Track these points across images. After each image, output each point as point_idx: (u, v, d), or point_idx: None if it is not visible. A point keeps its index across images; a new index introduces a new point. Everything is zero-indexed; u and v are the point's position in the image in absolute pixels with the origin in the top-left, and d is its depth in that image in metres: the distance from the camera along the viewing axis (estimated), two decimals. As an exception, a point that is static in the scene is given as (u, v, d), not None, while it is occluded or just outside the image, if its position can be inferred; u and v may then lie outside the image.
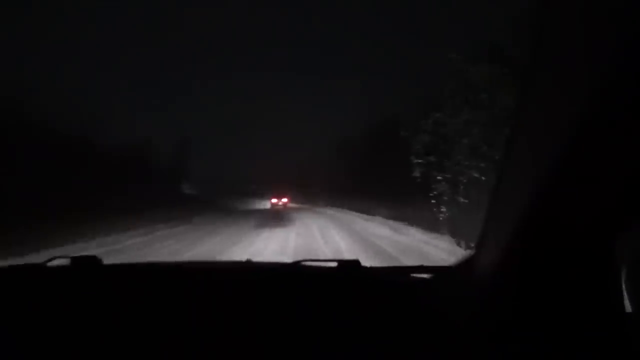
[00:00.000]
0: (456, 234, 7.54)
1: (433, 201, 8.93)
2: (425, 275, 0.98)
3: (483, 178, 7.42)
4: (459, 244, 7.06)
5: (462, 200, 8.13)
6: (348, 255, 5.83)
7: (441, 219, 8.71)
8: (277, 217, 15.24)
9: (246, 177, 54.56)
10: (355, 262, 1.02)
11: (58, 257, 1.16)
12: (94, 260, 1.11)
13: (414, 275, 1.00)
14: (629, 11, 0.39)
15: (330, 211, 20.75)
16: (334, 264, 1.03)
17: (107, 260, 1.15)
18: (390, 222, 12.06)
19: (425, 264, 1.00)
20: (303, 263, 1.08)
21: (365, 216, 15.33)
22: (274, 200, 29.47)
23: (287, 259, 4.95)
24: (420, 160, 9.39)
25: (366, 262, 1.05)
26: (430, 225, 9.09)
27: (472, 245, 0.82)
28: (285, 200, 30.15)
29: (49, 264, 1.12)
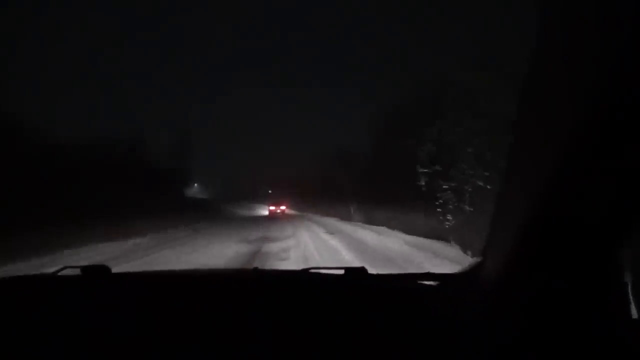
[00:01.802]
0: (464, 242, 7.48)
1: (439, 209, 8.89)
2: (431, 282, 0.99)
3: (488, 187, 7.39)
4: (465, 252, 7.00)
5: (467, 208, 8.09)
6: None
7: (447, 227, 8.66)
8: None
9: (255, 181, 54.15)
10: (362, 270, 1.03)
11: (68, 266, 1.18)
12: (103, 269, 1.13)
13: (421, 282, 1.01)
14: (625, 17, 0.40)
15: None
16: (341, 272, 1.04)
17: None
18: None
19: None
20: (310, 270, 1.09)
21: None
22: (272, 208, 29.93)
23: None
24: (425, 170, 9.39)
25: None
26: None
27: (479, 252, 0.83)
28: (283, 207, 30.61)
29: (60, 273, 1.15)
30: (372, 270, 1.04)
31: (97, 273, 1.12)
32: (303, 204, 32.81)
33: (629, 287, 0.60)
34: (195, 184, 40.30)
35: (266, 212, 29.15)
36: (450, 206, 8.64)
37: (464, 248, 7.27)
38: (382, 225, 12.90)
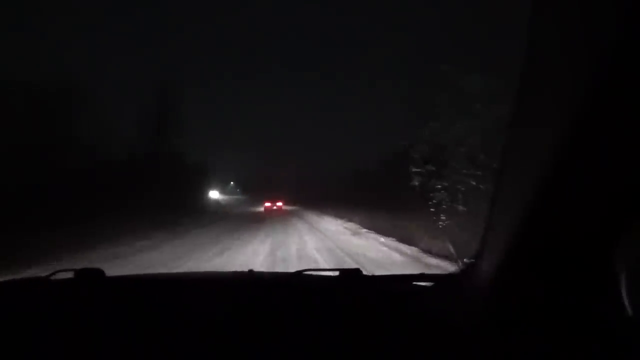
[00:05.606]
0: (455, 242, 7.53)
1: (432, 209, 8.94)
2: (426, 284, 0.99)
3: (481, 186, 7.44)
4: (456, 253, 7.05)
5: (461, 208, 8.14)
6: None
7: (440, 226, 8.71)
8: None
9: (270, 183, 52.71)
10: (357, 271, 1.03)
11: (62, 270, 1.17)
12: (97, 273, 1.11)
13: (416, 283, 1.01)
14: (618, 18, 0.40)
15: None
16: (336, 273, 1.04)
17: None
18: None
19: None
20: (305, 272, 1.09)
21: None
22: (268, 204, 29.22)
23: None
24: (418, 169, 9.43)
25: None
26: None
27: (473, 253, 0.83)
28: (279, 204, 30.22)
29: (53, 276, 1.13)
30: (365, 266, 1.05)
31: (91, 276, 1.10)
32: (307, 202, 32.45)
33: (624, 285, 0.61)
34: (232, 182, 38.77)
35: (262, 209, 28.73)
36: (444, 206, 8.69)
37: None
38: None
